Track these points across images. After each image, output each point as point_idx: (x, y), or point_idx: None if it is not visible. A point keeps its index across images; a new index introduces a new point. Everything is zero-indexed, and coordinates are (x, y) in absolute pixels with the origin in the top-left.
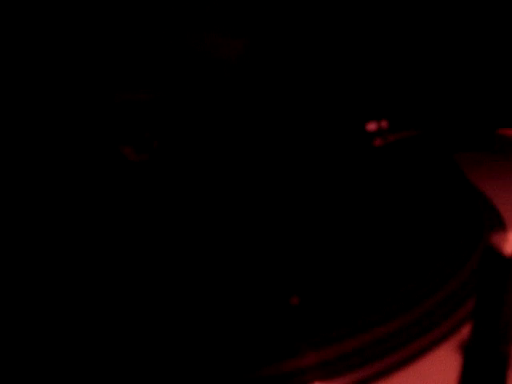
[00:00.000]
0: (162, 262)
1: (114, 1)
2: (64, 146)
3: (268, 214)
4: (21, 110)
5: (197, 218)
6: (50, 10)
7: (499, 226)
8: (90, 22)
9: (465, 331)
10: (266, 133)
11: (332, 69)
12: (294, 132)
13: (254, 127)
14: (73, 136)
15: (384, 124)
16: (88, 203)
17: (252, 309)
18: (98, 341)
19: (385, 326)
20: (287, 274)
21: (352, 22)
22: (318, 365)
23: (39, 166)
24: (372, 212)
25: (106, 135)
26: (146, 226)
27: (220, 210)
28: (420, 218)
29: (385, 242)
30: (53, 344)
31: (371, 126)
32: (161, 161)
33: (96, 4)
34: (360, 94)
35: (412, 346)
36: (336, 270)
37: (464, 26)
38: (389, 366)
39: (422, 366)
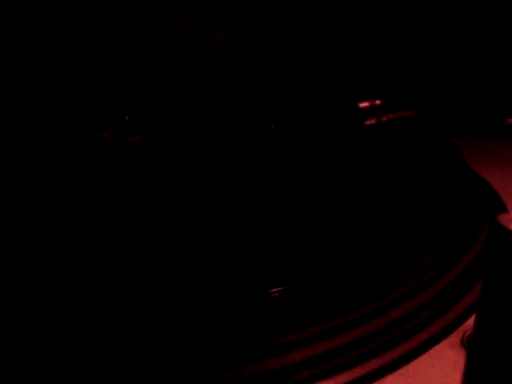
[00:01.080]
0: (149, 252)
1: None
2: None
3: (257, 198)
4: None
5: (183, 206)
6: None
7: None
8: (78, 14)
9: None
10: (258, 110)
11: (325, 44)
12: (286, 109)
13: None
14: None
15: (378, 102)
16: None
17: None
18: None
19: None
20: (276, 268)
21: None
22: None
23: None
24: (365, 197)
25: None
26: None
27: (205, 197)
28: (418, 202)
29: (379, 231)
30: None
31: (364, 104)
32: (151, 144)
33: None
34: (354, 71)
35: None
36: (331, 263)
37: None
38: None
39: (420, 364)
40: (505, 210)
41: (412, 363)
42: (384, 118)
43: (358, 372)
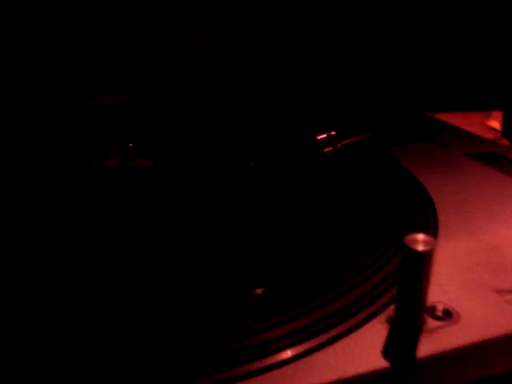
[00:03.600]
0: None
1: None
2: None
3: (237, 209)
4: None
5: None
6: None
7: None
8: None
9: (390, 310)
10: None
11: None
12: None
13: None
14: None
15: (333, 133)
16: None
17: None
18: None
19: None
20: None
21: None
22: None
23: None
24: (319, 208)
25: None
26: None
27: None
28: (360, 211)
29: (329, 237)
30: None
31: (321, 136)
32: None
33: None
34: (312, 111)
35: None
36: (295, 259)
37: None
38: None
39: (360, 334)
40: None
41: (353, 334)
42: (339, 145)
43: (316, 341)
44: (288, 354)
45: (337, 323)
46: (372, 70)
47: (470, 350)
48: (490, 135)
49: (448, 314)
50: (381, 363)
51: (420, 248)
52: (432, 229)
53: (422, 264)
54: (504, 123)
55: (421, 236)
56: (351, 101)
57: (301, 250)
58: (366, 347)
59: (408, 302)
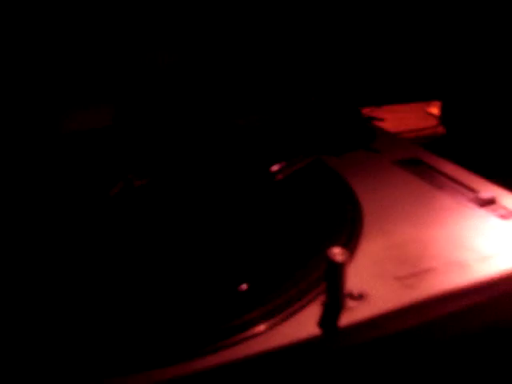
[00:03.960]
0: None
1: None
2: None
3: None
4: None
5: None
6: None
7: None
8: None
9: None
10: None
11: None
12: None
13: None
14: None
15: (283, 164)
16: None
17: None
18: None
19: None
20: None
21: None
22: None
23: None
24: (275, 222)
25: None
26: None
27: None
28: (305, 221)
29: (280, 243)
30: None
31: (274, 168)
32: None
33: None
34: (265, 150)
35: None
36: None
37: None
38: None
39: (303, 314)
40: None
41: (299, 314)
42: (287, 172)
43: (273, 321)
44: (261, 328)
45: (287, 306)
46: (318, 90)
47: (376, 320)
48: (430, 121)
49: (361, 297)
50: (316, 331)
51: (337, 258)
52: (357, 232)
53: (339, 270)
54: (441, 112)
55: (338, 249)
56: (299, 126)
57: (257, 259)
58: (307, 322)
59: (333, 291)
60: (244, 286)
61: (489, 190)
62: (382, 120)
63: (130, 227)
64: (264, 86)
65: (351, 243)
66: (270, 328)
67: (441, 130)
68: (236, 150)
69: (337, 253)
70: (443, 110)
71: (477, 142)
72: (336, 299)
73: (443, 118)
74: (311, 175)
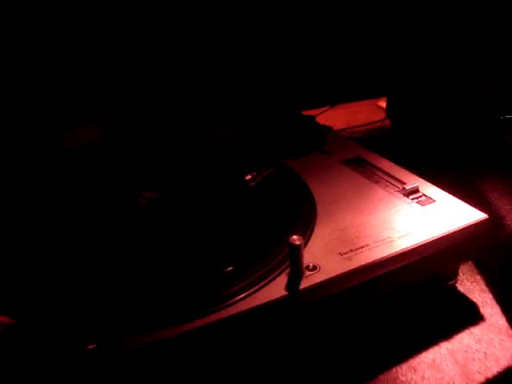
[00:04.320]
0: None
1: None
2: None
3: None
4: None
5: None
6: None
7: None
8: None
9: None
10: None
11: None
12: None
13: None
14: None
15: (254, 174)
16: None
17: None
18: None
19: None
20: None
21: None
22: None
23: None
24: (252, 218)
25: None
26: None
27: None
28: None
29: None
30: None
31: (248, 177)
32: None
33: None
34: (240, 161)
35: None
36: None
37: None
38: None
39: (275, 283)
40: (315, 211)
41: (272, 283)
42: (258, 179)
43: (253, 289)
44: (241, 296)
45: (263, 278)
46: (277, 106)
47: (325, 283)
48: (380, 115)
49: (315, 268)
50: (284, 293)
51: (296, 243)
52: (312, 220)
53: (297, 250)
54: (387, 107)
55: (296, 236)
56: (266, 137)
57: (239, 246)
58: (278, 287)
59: (294, 265)
60: (230, 268)
61: (414, 181)
62: (330, 128)
63: (146, 226)
64: (234, 105)
65: (308, 229)
66: (252, 294)
67: (388, 122)
68: (217, 163)
69: (296, 239)
70: (388, 104)
71: (416, 133)
72: (297, 271)
73: (389, 112)
74: (276, 178)
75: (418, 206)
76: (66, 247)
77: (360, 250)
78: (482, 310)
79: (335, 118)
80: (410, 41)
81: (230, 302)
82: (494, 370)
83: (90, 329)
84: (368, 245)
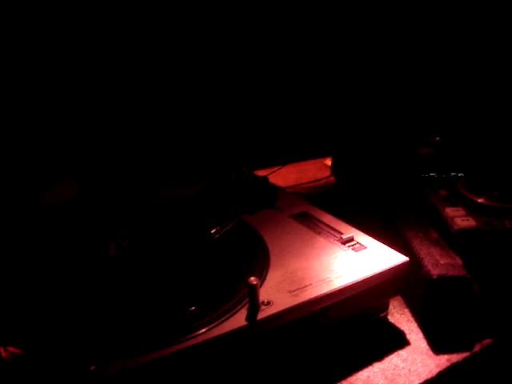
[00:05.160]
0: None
1: None
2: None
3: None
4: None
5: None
6: None
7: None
8: None
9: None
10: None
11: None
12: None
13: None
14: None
15: (218, 228)
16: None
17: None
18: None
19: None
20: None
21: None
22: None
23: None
24: (217, 265)
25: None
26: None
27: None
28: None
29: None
30: None
31: (213, 231)
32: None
33: None
34: (205, 217)
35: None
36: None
37: None
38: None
39: (235, 316)
40: (269, 258)
41: (233, 316)
42: (222, 232)
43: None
44: (212, 326)
45: (229, 311)
46: (235, 169)
47: (277, 315)
48: (326, 172)
49: (269, 303)
50: (244, 323)
51: (253, 283)
52: (266, 266)
53: (255, 289)
54: (332, 165)
55: (253, 278)
56: (226, 196)
57: (207, 288)
58: (239, 319)
59: (252, 301)
60: (197, 305)
61: (350, 231)
62: (281, 188)
63: (124, 273)
64: (199, 170)
65: (263, 272)
66: (219, 324)
67: (332, 178)
68: (185, 218)
69: (253, 279)
70: (333, 163)
71: (355, 188)
72: (254, 305)
73: (333, 170)
74: (236, 231)
75: (353, 252)
76: (61, 291)
77: (305, 288)
78: (408, 336)
79: (287, 175)
80: (349, 113)
81: (201, 331)
82: (415, 382)
83: (82, 356)
84: (311, 284)
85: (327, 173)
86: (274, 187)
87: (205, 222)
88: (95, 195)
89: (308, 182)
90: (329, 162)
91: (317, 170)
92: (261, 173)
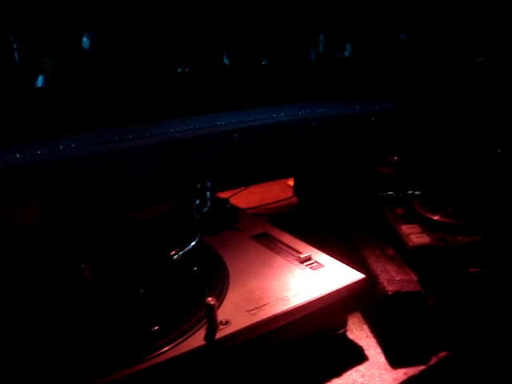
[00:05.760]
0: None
1: None
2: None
3: None
4: None
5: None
6: None
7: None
8: None
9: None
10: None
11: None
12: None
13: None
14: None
15: (178, 250)
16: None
17: None
18: None
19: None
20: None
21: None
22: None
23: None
24: (177, 286)
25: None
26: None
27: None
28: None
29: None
30: None
31: (172, 252)
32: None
33: None
34: (165, 239)
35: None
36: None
37: None
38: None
39: (195, 336)
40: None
41: (193, 335)
42: (182, 253)
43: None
44: (171, 346)
45: (187, 331)
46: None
47: (235, 334)
48: (288, 192)
49: (227, 322)
50: (203, 343)
51: (211, 303)
52: (225, 286)
53: (213, 309)
54: (295, 185)
55: (211, 298)
56: (187, 218)
57: (165, 308)
58: (198, 339)
59: (210, 321)
60: (159, 326)
61: (308, 250)
62: (242, 210)
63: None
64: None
65: (222, 292)
66: (178, 344)
67: (295, 199)
68: (145, 240)
69: (210, 300)
70: (295, 184)
71: (315, 208)
72: (212, 325)
73: (296, 190)
74: (196, 252)
75: (311, 270)
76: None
77: (263, 307)
78: (366, 351)
79: (250, 196)
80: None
81: (161, 350)
82: None
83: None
84: (269, 303)
85: (290, 193)
86: (235, 208)
87: (165, 244)
88: (58, 219)
89: (271, 203)
90: (291, 182)
91: (280, 191)
92: (223, 194)
